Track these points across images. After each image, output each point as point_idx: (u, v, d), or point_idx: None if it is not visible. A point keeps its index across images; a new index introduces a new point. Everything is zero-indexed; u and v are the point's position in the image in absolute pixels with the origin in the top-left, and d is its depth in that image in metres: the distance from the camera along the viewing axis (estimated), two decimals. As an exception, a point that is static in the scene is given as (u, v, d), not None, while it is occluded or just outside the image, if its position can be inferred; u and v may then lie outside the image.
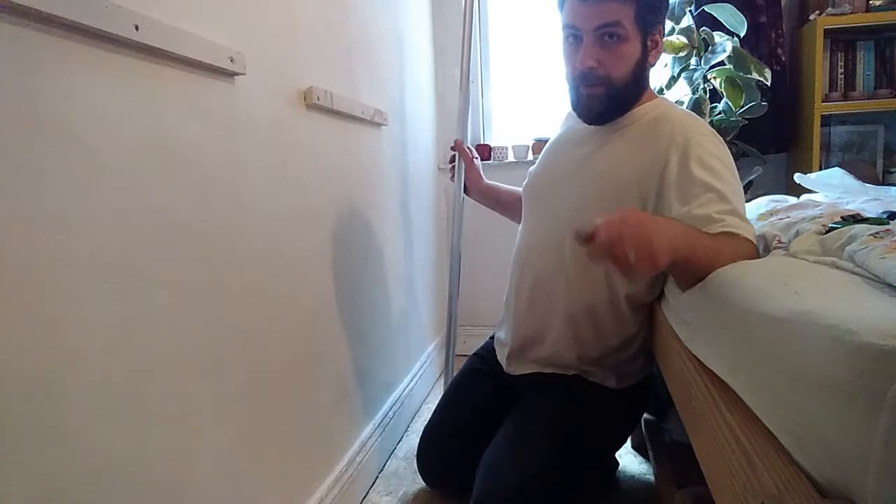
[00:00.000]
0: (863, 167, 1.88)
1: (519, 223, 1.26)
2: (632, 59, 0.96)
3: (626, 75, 0.96)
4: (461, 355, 2.19)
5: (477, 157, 1.47)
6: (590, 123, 1.05)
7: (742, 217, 0.84)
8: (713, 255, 0.72)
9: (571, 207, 1.06)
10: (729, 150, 0.95)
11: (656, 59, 1.02)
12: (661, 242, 0.65)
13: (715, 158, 0.91)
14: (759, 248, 0.83)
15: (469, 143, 2.19)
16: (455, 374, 1.36)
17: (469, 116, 2.18)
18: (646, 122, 1.00)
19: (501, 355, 1.20)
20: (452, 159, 1.48)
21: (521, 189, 1.31)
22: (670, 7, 1.62)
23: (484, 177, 1.46)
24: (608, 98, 0.98)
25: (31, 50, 0.51)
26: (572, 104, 1.05)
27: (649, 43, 0.98)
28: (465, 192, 1.48)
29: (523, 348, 1.13)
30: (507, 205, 1.43)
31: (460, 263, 1.56)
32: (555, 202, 1.10)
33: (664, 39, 1.63)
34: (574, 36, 0.97)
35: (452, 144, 1.47)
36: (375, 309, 1.41)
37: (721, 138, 0.97)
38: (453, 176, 1.48)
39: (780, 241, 0.78)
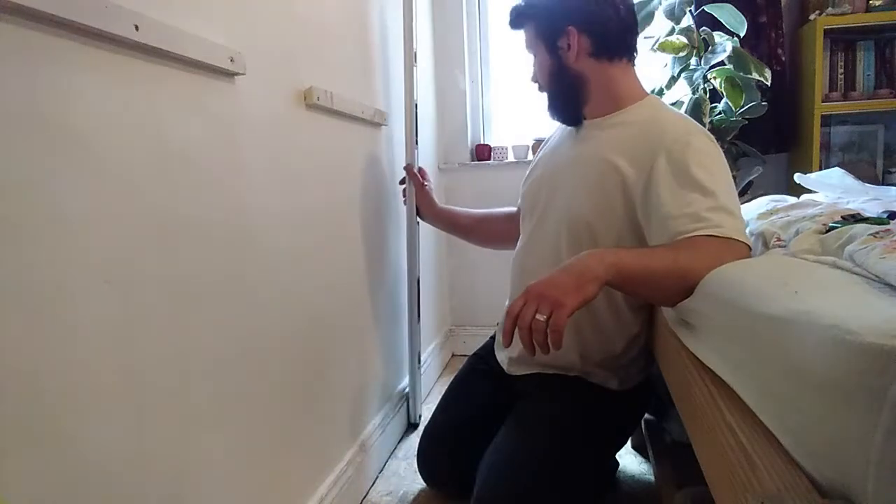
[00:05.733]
0: (863, 167, 1.88)
1: (479, 245, 1.44)
2: (545, 67, 1.08)
3: (546, 80, 1.10)
4: (461, 355, 2.20)
5: (429, 182, 1.48)
6: (556, 120, 1.16)
7: (730, 212, 0.84)
8: (673, 268, 0.77)
9: (562, 207, 1.07)
10: (720, 149, 0.96)
11: (585, 54, 1.03)
12: (567, 292, 0.72)
13: (704, 155, 0.91)
14: (749, 245, 0.83)
15: (470, 145, 2.21)
16: (455, 374, 1.36)
17: (469, 119, 2.19)
18: (634, 122, 1.01)
19: (502, 359, 1.20)
20: (403, 181, 1.49)
21: (477, 211, 1.46)
22: (670, 7, 1.62)
23: (437, 201, 1.47)
24: (548, 98, 1.13)
25: (31, 50, 0.51)
26: None
27: (560, 46, 1.04)
28: (419, 215, 1.49)
29: (524, 355, 1.13)
30: (463, 227, 1.46)
31: (419, 290, 1.55)
32: (547, 206, 1.11)
33: (665, 39, 1.64)
34: None
35: (405, 165, 1.47)
36: (376, 308, 1.41)
37: (712, 136, 0.97)
38: (406, 199, 1.50)
39: (779, 240, 0.78)
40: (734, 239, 0.81)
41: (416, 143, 1.48)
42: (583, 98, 1.07)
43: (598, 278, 0.75)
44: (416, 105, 1.48)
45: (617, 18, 1.02)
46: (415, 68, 1.45)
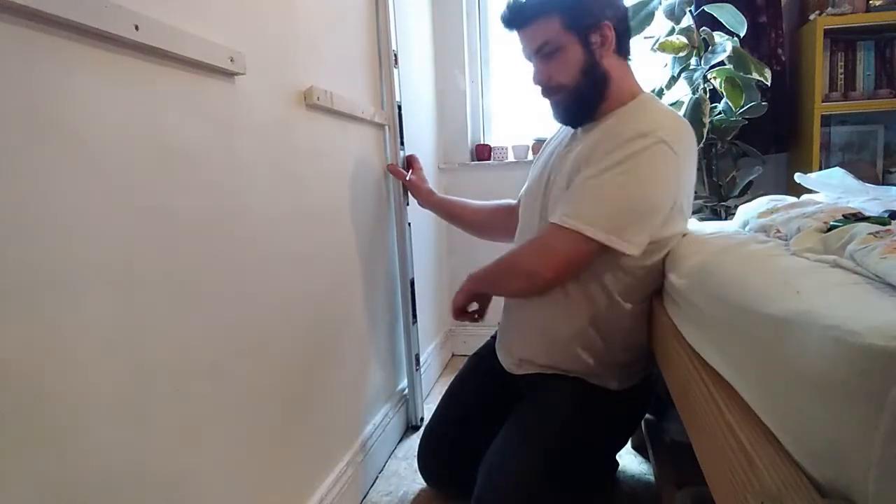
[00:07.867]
0: (863, 167, 1.88)
1: (476, 236, 1.46)
2: (575, 62, 1.00)
3: (575, 77, 1.01)
4: (461, 355, 2.20)
5: (420, 170, 1.49)
6: (568, 125, 1.11)
7: (603, 209, 0.92)
8: (510, 263, 1.05)
9: (546, 210, 1.07)
10: (676, 157, 0.94)
11: (612, 51, 1.01)
12: (465, 289, 1.13)
13: (628, 158, 0.92)
14: (601, 243, 0.91)
15: (470, 145, 2.21)
16: (455, 374, 1.36)
17: (469, 119, 2.19)
18: (616, 120, 1.01)
19: (502, 359, 1.20)
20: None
21: (476, 203, 1.46)
22: (670, 7, 1.62)
23: (434, 190, 1.48)
24: (570, 100, 1.04)
25: (31, 50, 0.51)
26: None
27: (592, 41, 1.00)
28: (419, 203, 1.51)
29: (525, 356, 1.13)
30: (458, 217, 1.47)
31: (413, 291, 1.56)
32: (541, 209, 1.11)
33: (665, 39, 1.64)
34: (529, 57, 1.06)
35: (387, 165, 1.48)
36: (375, 308, 1.41)
37: (687, 143, 0.98)
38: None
39: (779, 231, 0.78)
40: (574, 230, 0.91)
41: (402, 145, 1.49)
42: (603, 96, 1.03)
43: (462, 291, 1.12)
44: (399, 106, 1.48)
45: (627, 15, 1.04)
46: (395, 70, 1.45)
